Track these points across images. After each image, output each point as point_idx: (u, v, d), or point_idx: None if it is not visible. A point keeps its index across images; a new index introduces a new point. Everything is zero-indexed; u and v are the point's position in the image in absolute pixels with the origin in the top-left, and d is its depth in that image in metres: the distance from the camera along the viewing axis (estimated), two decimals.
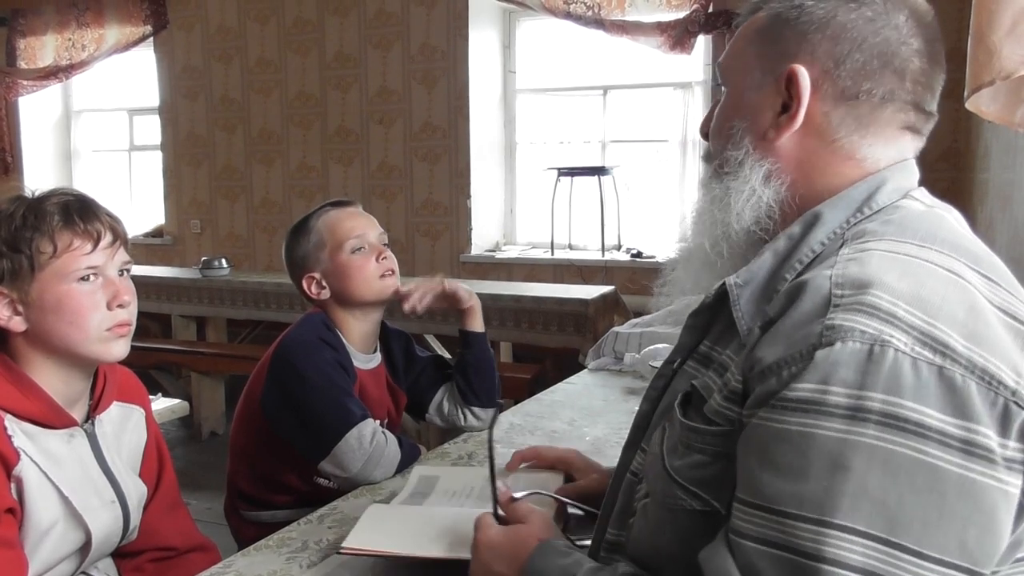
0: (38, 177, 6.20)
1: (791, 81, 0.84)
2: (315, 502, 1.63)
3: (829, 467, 0.64)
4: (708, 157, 0.95)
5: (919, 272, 0.71)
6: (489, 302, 3.87)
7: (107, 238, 1.24)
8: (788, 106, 0.85)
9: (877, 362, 0.65)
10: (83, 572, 1.31)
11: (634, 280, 4.48)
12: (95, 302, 1.23)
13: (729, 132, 0.89)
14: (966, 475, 0.63)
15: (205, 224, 5.61)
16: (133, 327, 1.29)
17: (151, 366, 4.42)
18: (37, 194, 1.25)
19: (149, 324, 4.96)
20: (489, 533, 1.01)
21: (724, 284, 0.84)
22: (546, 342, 3.93)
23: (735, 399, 0.75)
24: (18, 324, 1.21)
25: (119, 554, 1.40)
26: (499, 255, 4.87)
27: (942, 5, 3.63)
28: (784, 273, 0.81)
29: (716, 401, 0.78)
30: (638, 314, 4.07)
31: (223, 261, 4.64)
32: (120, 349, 1.27)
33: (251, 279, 4.51)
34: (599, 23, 4.34)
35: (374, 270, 1.72)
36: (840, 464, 0.64)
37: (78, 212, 1.23)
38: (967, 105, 1.39)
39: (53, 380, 1.25)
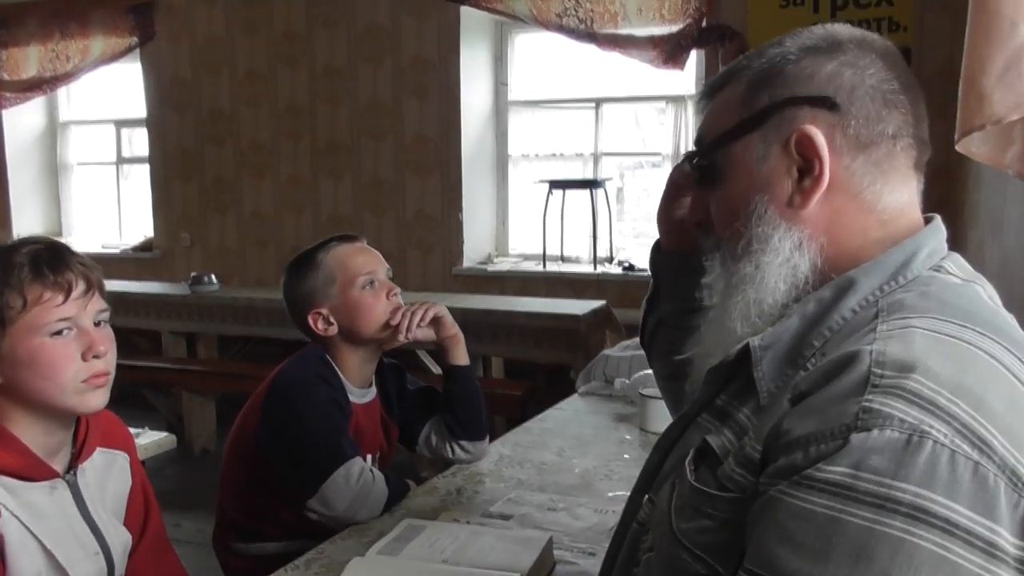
0: (24, 191, 6.16)
1: (803, 144, 0.81)
2: (305, 535, 1.62)
3: (852, 555, 0.63)
4: (720, 245, 0.91)
5: (962, 356, 0.70)
6: (481, 317, 3.88)
7: (79, 287, 1.21)
8: (805, 170, 0.82)
9: (914, 453, 0.64)
10: None
11: (626, 294, 4.47)
12: (69, 354, 1.20)
13: (748, 210, 0.85)
14: None
15: (195, 238, 5.58)
16: (112, 376, 1.26)
17: (141, 384, 4.40)
18: (8, 244, 1.23)
19: (139, 340, 4.93)
20: None
21: (747, 344, 0.82)
22: (538, 358, 3.93)
23: (750, 467, 0.74)
24: None
25: None
26: (491, 268, 4.86)
27: (935, 23, 3.60)
28: (812, 339, 0.79)
29: (729, 466, 0.76)
30: (629, 327, 4.06)
31: (212, 277, 4.62)
32: (97, 401, 1.24)
33: (241, 295, 4.49)
34: (592, 37, 4.33)
35: (385, 307, 1.70)
36: (864, 554, 0.63)
37: (48, 263, 1.20)
38: (957, 147, 1.38)
39: (33, 432, 1.23)
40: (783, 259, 0.82)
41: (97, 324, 1.25)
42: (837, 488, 0.64)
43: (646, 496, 0.92)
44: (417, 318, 1.70)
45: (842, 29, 0.86)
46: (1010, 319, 0.80)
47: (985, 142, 1.38)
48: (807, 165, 0.82)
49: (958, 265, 0.84)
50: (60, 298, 1.20)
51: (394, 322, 1.69)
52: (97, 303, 1.25)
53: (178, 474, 4.00)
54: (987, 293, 0.82)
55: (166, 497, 3.63)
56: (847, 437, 0.65)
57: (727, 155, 0.87)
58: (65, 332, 1.20)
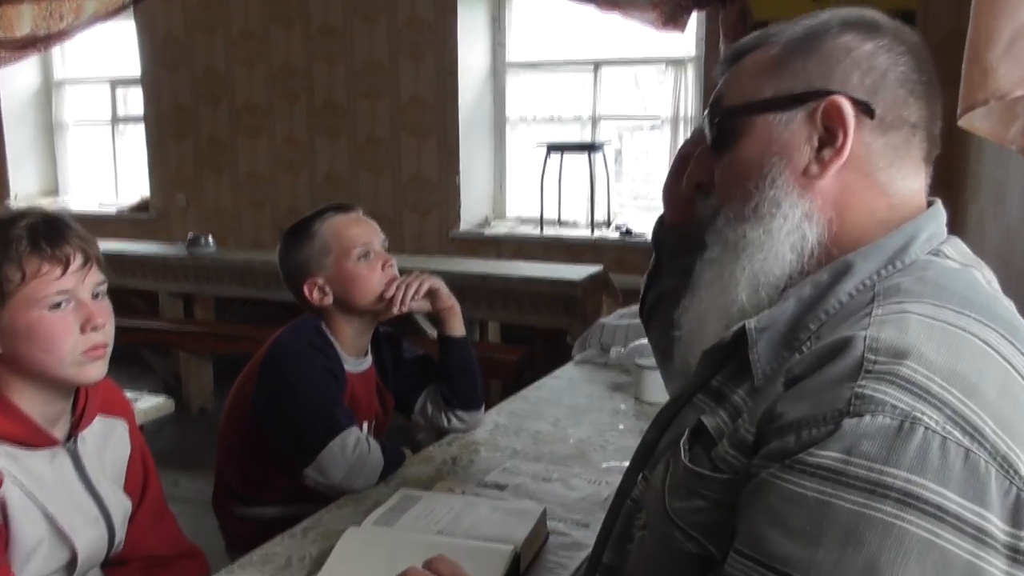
0: (20, 150, 6.11)
1: (830, 114, 0.81)
2: (303, 500, 1.64)
3: (842, 539, 0.64)
4: (720, 209, 0.88)
5: (957, 343, 0.70)
6: (478, 282, 3.89)
7: (77, 261, 1.22)
8: (825, 140, 0.82)
9: (905, 439, 0.64)
10: None
11: (623, 258, 4.47)
12: (67, 327, 1.21)
13: (763, 172, 0.84)
14: (975, 563, 0.63)
15: (191, 198, 5.55)
16: (110, 348, 1.27)
17: (139, 344, 4.41)
18: (6, 216, 1.22)
19: (136, 301, 4.93)
20: None
21: (743, 326, 0.82)
22: (535, 323, 3.94)
23: (743, 448, 0.75)
24: None
25: (106, 563, 1.40)
26: (488, 231, 4.85)
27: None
28: (808, 322, 0.80)
29: (724, 447, 0.77)
30: (626, 293, 4.07)
31: (209, 238, 4.60)
32: (96, 372, 1.25)
33: (238, 257, 4.49)
34: None
35: (380, 279, 1.70)
36: (854, 538, 0.64)
37: (46, 236, 1.20)
38: (960, 123, 1.37)
39: (33, 401, 1.24)
40: (792, 226, 0.82)
41: (95, 296, 1.26)
42: (828, 472, 0.65)
43: (641, 474, 0.93)
44: (412, 291, 1.70)
45: (880, 16, 0.86)
46: (1008, 304, 0.80)
47: (988, 117, 1.36)
48: (829, 136, 0.82)
49: (957, 249, 0.84)
50: (58, 271, 1.20)
51: (388, 294, 1.69)
52: (95, 276, 1.25)
53: (176, 434, 4.03)
54: (985, 278, 0.82)
55: (164, 457, 3.64)
56: (839, 422, 0.66)
57: (747, 117, 0.86)
58: (63, 305, 1.21)
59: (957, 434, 0.64)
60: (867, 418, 0.65)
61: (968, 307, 0.74)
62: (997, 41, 1.23)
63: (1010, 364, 0.71)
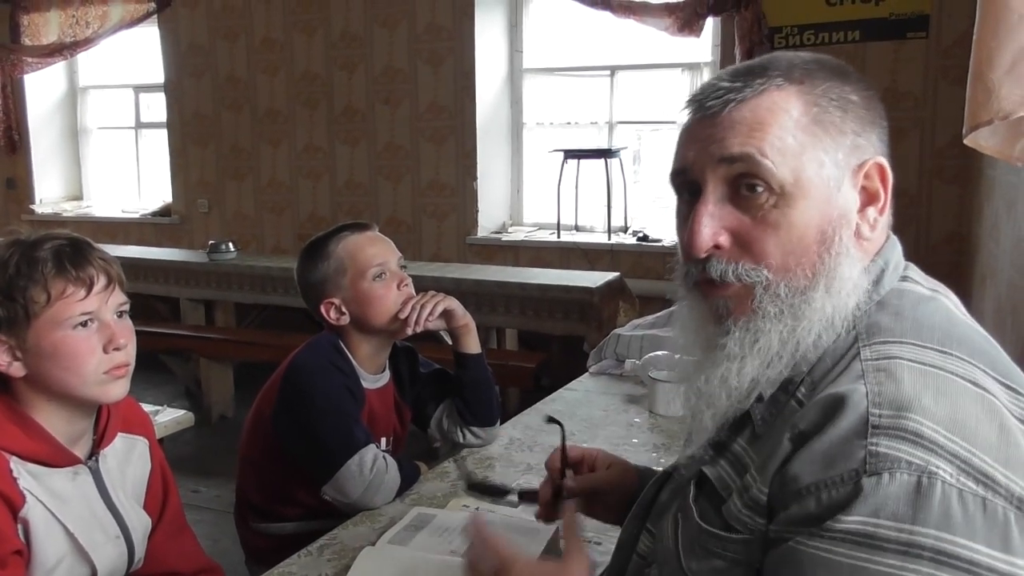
0: (46, 155, 6.20)
1: (871, 176, 0.81)
2: (323, 515, 1.67)
3: None
4: (739, 271, 0.80)
5: (951, 391, 0.71)
6: (495, 289, 3.91)
7: (101, 282, 1.25)
8: (865, 200, 0.82)
9: (927, 496, 0.65)
10: None
11: (640, 263, 4.47)
12: (91, 347, 1.24)
13: (823, 239, 0.79)
14: None
15: (212, 204, 5.62)
16: (132, 367, 1.30)
17: (161, 351, 4.46)
18: (31, 239, 1.26)
19: (158, 306, 5.00)
20: (531, 563, 0.91)
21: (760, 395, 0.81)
22: (551, 329, 3.95)
23: (756, 509, 0.75)
24: (18, 369, 1.23)
25: None
26: (505, 237, 4.87)
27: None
28: (799, 365, 0.80)
29: (736, 507, 0.77)
30: (643, 298, 4.08)
31: (230, 245, 4.66)
32: (118, 391, 1.28)
33: (258, 264, 4.53)
34: (606, 4, 4.28)
35: (396, 298, 1.72)
36: None
37: (70, 259, 1.23)
38: (966, 141, 1.38)
39: (56, 420, 1.27)
40: (849, 290, 0.80)
41: (118, 316, 1.29)
42: (859, 537, 0.65)
43: (643, 528, 0.94)
44: (427, 312, 1.72)
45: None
46: (979, 329, 0.81)
47: (994, 135, 1.38)
48: (869, 195, 0.82)
49: (920, 275, 0.85)
50: (82, 292, 1.23)
51: (403, 315, 1.71)
52: (118, 297, 1.28)
53: (196, 440, 4.08)
54: (953, 303, 0.83)
55: (185, 464, 3.66)
56: (858, 481, 0.66)
57: (799, 176, 0.79)
58: (87, 325, 1.24)
59: (971, 484, 0.65)
60: (885, 476, 0.66)
61: (949, 344, 0.75)
62: (999, 63, 1.25)
63: (999, 400, 0.71)
